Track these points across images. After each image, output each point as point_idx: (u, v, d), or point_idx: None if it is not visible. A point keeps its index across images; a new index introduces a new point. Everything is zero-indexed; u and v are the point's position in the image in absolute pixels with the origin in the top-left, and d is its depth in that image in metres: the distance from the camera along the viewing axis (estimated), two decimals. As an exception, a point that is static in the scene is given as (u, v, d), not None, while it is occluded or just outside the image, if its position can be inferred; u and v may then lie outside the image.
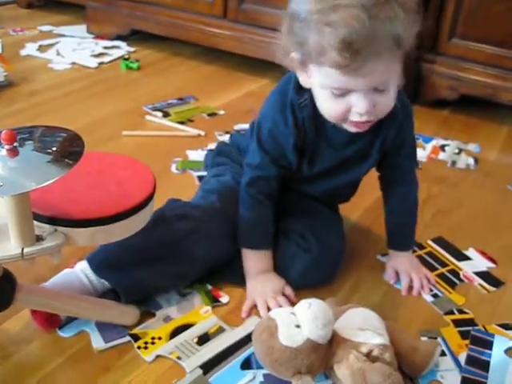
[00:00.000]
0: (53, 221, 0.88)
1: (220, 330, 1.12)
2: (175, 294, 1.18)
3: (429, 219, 1.52)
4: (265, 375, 1.01)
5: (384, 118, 1.10)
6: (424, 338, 1.12)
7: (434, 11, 2.07)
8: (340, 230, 1.31)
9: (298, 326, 0.97)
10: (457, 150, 1.89)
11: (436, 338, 1.12)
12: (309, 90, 1.11)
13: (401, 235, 1.32)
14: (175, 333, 1.10)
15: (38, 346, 1.06)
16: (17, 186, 0.78)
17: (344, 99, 1.02)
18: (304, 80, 1.09)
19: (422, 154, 1.85)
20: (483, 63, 2.05)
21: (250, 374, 1.03)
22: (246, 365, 1.05)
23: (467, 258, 1.38)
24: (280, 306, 1.15)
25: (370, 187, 1.34)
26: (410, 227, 1.31)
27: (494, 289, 1.28)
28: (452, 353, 1.10)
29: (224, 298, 1.19)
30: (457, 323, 1.17)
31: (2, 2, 3.31)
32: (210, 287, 1.22)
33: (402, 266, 1.28)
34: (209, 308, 1.16)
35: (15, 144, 0.81)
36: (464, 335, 1.14)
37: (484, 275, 1.32)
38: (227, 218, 1.22)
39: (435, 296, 1.25)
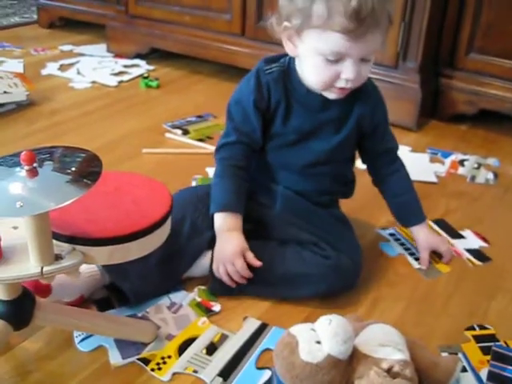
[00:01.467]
0: (71, 240, 0.89)
1: (223, 337, 1.14)
2: (168, 312, 1.19)
3: (448, 234, 1.52)
4: (286, 392, 1.02)
5: (358, 94, 1.24)
6: (445, 354, 1.11)
7: (451, 26, 2.08)
8: (352, 237, 1.33)
9: (318, 342, 0.97)
10: (476, 165, 1.88)
11: (457, 354, 1.11)
12: (277, 62, 1.26)
13: (409, 211, 1.39)
14: (182, 348, 1.10)
15: (59, 363, 1.07)
16: (36, 207, 0.79)
17: (335, 66, 1.15)
18: (290, 49, 1.21)
19: (440, 169, 1.85)
20: (502, 77, 2.05)
21: (267, 371, 1.06)
22: (260, 363, 1.08)
23: (461, 237, 1.50)
24: (237, 271, 1.20)
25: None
26: (414, 200, 1.39)
27: (480, 263, 1.40)
28: (473, 369, 1.09)
29: (216, 307, 1.21)
30: (478, 339, 1.16)
31: (24, 23, 3.36)
32: (199, 299, 1.23)
33: (437, 243, 1.39)
34: (205, 319, 1.18)
35: (35, 165, 0.82)
36: (485, 351, 1.13)
37: (474, 252, 1.45)
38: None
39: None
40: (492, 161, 1.92)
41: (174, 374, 1.05)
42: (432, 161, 1.91)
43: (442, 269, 1.37)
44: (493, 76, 2.06)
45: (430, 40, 2.04)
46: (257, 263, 1.20)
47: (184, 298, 1.23)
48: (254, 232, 1.28)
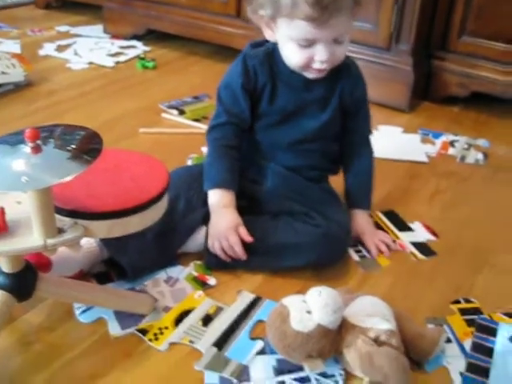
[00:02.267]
0: (73, 214, 0.93)
1: (218, 310, 1.18)
2: (165, 286, 1.23)
3: (437, 213, 1.55)
4: (278, 360, 1.06)
5: (340, 71, 1.30)
6: (431, 326, 1.15)
7: (443, 9, 2.10)
8: (341, 208, 1.38)
9: (309, 312, 1.01)
10: (466, 146, 1.92)
11: (442, 326, 1.15)
12: (263, 46, 1.33)
13: (359, 194, 1.43)
14: (179, 320, 1.15)
15: (60, 334, 1.11)
16: (40, 181, 0.82)
17: (308, 50, 1.21)
18: (269, 35, 1.28)
19: (431, 150, 1.88)
20: (493, 60, 2.07)
21: (260, 342, 1.10)
22: (254, 334, 1.12)
23: (409, 230, 1.47)
24: (231, 246, 1.24)
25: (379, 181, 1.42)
26: (367, 187, 1.43)
27: (424, 257, 1.38)
28: (458, 340, 1.13)
29: (211, 281, 1.26)
30: (463, 312, 1.20)
31: (20, 3, 3.36)
32: (195, 273, 1.27)
33: (364, 230, 1.39)
34: (201, 292, 1.22)
35: (38, 142, 0.85)
36: (470, 323, 1.18)
37: (419, 245, 1.42)
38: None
39: (362, 257, 1.37)
40: (482, 142, 1.95)
41: (171, 343, 1.09)
42: (423, 141, 1.94)
43: (382, 262, 1.35)
44: (484, 58, 2.09)
45: (422, 22, 2.07)
46: (248, 238, 1.24)
47: (180, 272, 1.27)
48: (247, 208, 1.32)
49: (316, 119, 1.33)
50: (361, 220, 1.40)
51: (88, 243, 1.21)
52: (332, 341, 1.00)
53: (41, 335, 1.10)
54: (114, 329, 1.11)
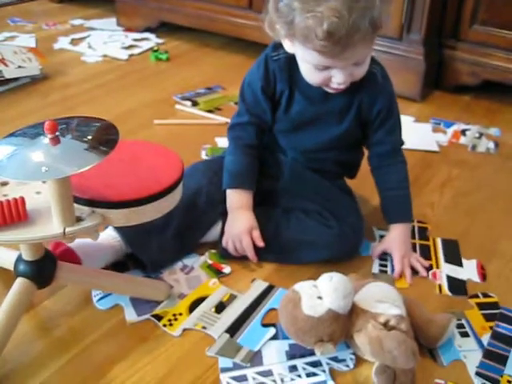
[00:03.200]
0: (91, 203, 0.96)
1: (232, 297, 1.20)
2: (181, 273, 1.26)
3: (448, 201, 1.57)
4: (290, 345, 1.09)
5: (362, 81, 1.23)
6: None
7: (454, -2, 2.11)
8: (355, 209, 1.36)
9: (320, 298, 1.03)
10: (477, 135, 1.93)
11: (460, 320, 1.16)
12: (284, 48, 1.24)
13: (391, 208, 1.34)
14: (193, 307, 1.17)
15: (78, 320, 1.14)
16: (59, 171, 0.85)
17: (325, 72, 1.17)
18: (288, 46, 1.22)
19: (442, 139, 1.90)
20: (505, 49, 2.08)
21: (272, 328, 1.12)
22: (266, 321, 1.15)
23: (459, 264, 1.32)
24: (243, 249, 1.27)
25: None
26: (399, 199, 1.34)
27: (449, 294, 1.24)
28: (475, 334, 1.14)
29: (226, 269, 1.28)
30: (481, 306, 1.21)
31: (35, -3, 3.40)
32: (210, 262, 1.30)
33: (393, 246, 1.31)
34: (215, 280, 1.25)
35: (57, 133, 0.88)
36: (488, 318, 1.17)
37: (454, 281, 1.27)
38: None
39: (383, 271, 1.30)
40: (493, 130, 1.96)
41: (185, 329, 1.12)
42: (435, 131, 1.95)
43: (399, 284, 1.26)
44: (496, 47, 2.09)
45: (433, 12, 2.08)
46: (260, 244, 1.26)
47: (196, 260, 1.30)
48: (261, 202, 1.34)
49: (332, 130, 1.30)
50: (392, 235, 1.32)
51: (111, 238, 1.24)
52: (342, 325, 1.02)
53: (60, 321, 1.14)
54: (130, 315, 1.14)
